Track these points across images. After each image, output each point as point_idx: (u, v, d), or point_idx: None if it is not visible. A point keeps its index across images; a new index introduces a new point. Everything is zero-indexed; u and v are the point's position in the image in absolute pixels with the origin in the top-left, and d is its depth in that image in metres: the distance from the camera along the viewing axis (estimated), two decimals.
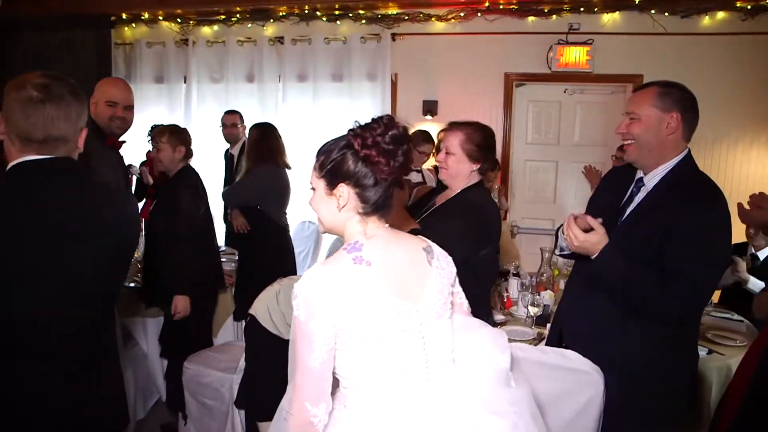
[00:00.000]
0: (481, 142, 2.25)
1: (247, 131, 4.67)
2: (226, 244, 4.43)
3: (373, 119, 1.37)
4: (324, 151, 1.40)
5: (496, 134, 5.03)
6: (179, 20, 5.42)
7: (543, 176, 5.20)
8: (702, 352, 2.48)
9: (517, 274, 3.29)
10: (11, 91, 1.41)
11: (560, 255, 2.18)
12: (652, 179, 1.93)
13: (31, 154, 1.42)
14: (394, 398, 1.35)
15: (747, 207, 2.62)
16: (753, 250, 3.12)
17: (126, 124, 2.96)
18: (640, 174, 1.98)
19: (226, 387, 2.93)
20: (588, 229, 1.85)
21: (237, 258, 4.04)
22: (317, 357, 1.27)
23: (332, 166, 1.37)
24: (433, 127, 4.60)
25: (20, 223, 1.37)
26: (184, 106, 5.45)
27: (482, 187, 2.39)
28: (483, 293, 2.37)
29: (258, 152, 3.92)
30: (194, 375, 3.03)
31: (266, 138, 3.97)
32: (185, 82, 5.48)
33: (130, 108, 2.93)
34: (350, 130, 1.38)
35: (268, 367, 2.74)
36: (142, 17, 5.48)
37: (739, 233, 2.75)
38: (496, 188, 4.31)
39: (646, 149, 1.90)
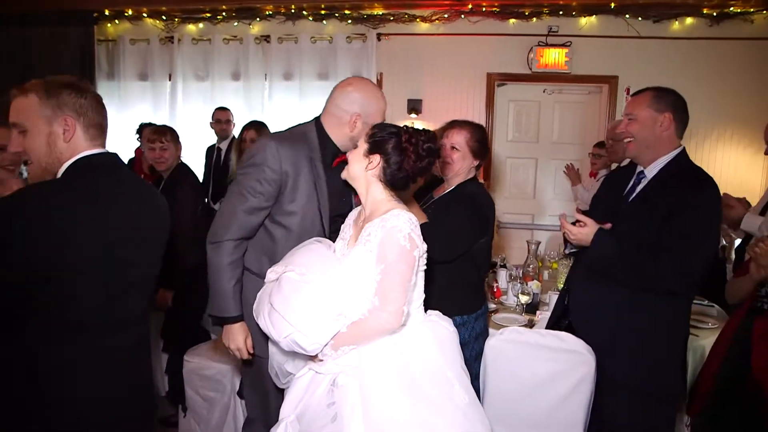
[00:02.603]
0: (482, 140, 2.40)
1: (234, 128, 4.74)
2: None
3: (423, 129, 1.85)
4: (380, 127, 1.84)
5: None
6: (164, 17, 5.41)
7: (523, 173, 5.35)
8: None
9: (504, 266, 3.49)
10: (71, 92, 1.49)
11: (569, 253, 2.37)
12: (652, 170, 2.16)
13: (97, 147, 1.54)
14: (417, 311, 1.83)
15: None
16: (724, 241, 3.35)
17: None
18: (640, 168, 2.20)
19: (228, 378, 3.01)
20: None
21: None
22: (414, 276, 1.74)
23: (379, 139, 1.79)
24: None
25: (100, 210, 1.46)
26: (169, 104, 5.45)
27: (477, 181, 2.53)
28: (481, 281, 2.51)
29: None
30: (195, 368, 3.09)
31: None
32: (170, 79, 5.47)
33: None
34: (404, 126, 1.85)
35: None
36: (126, 14, 5.46)
37: None
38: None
39: (644, 145, 2.13)
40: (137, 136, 4.75)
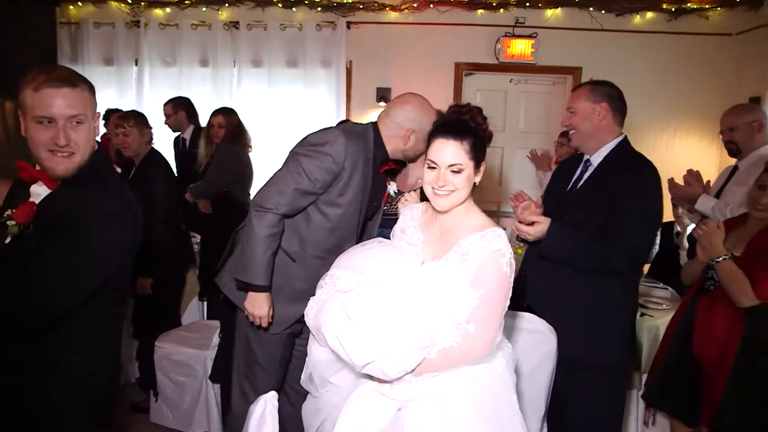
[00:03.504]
0: None
1: (185, 116, 4.63)
2: (187, 227, 4.47)
3: (464, 104, 1.71)
4: (465, 134, 1.63)
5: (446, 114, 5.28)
6: (129, 1, 5.31)
7: (489, 161, 5.34)
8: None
9: None
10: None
11: (520, 241, 2.50)
12: (597, 158, 2.31)
13: None
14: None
15: (680, 183, 3.11)
16: (678, 228, 3.52)
17: None
18: (586, 156, 2.35)
19: (200, 363, 3.05)
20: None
21: (199, 240, 4.11)
22: (507, 303, 1.65)
23: (479, 144, 1.64)
24: None
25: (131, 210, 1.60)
26: (135, 90, 5.36)
27: None
28: None
29: (235, 134, 4.01)
30: (167, 353, 3.12)
31: (239, 121, 4.08)
32: (137, 65, 5.38)
33: None
34: (470, 110, 1.69)
35: None
36: None
37: (667, 214, 3.13)
38: None
39: (585, 135, 2.30)
40: (104, 122, 4.68)
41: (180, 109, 4.63)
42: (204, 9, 5.26)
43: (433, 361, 1.58)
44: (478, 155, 1.64)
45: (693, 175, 3.12)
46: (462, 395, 1.60)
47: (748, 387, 2.29)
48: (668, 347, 2.59)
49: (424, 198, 2.27)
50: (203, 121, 4.58)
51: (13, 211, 1.45)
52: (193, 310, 3.83)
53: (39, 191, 1.53)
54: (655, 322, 2.90)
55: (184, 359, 3.08)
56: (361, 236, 2.35)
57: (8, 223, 1.44)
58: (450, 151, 1.64)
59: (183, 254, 3.49)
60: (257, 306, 2.11)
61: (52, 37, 5.30)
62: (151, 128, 3.34)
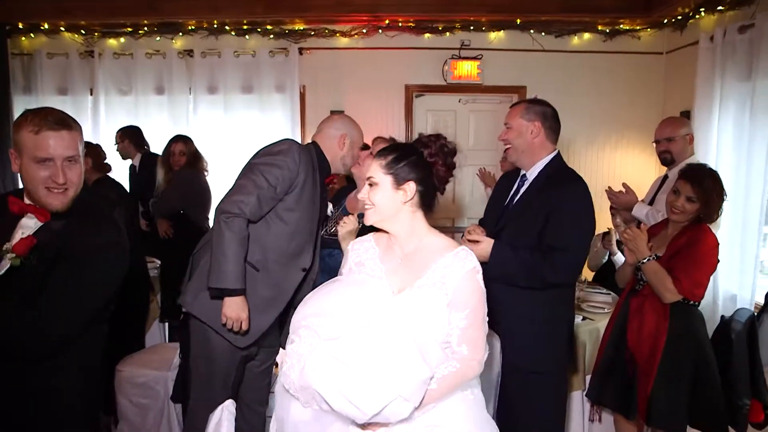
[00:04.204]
0: None
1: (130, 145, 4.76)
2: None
3: (431, 135, 1.69)
4: (395, 150, 1.68)
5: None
6: (83, 32, 5.34)
7: None
8: (577, 319, 3.01)
9: None
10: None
11: None
12: (532, 173, 2.45)
13: None
14: None
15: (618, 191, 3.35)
16: (618, 237, 3.75)
17: None
18: (523, 171, 2.50)
19: (161, 384, 3.10)
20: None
21: (159, 265, 4.16)
22: None
23: (403, 164, 1.64)
24: None
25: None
26: (91, 119, 5.36)
27: None
28: None
29: (192, 160, 4.12)
30: (129, 376, 3.16)
31: (195, 148, 4.20)
32: (92, 94, 5.41)
33: None
34: (418, 140, 1.70)
35: None
36: (42, 27, 5.33)
37: (605, 222, 3.36)
38: None
39: (519, 150, 2.44)
40: None
41: (125, 137, 4.83)
42: (158, 38, 5.32)
43: (435, 391, 1.56)
44: (398, 172, 1.63)
45: (625, 185, 3.37)
46: (460, 420, 1.59)
47: (674, 376, 2.49)
48: (606, 346, 2.78)
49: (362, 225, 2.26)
50: (159, 148, 4.66)
51: (13, 243, 1.56)
52: (154, 334, 3.87)
53: (29, 224, 1.65)
54: (596, 325, 3.09)
55: (145, 381, 3.12)
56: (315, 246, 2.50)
57: (8, 255, 1.54)
58: (371, 166, 1.70)
59: (145, 279, 3.55)
60: (236, 309, 2.19)
61: (4, 68, 5.29)
62: (92, 157, 3.45)
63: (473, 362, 1.63)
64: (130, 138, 4.83)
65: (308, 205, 2.36)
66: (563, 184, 2.35)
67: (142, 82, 5.35)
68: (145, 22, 5.21)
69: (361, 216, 1.99)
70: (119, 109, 5.42)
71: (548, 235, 2.27)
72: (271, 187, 2.22)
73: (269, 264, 2.32)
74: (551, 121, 2.44)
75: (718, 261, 2.61)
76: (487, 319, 1.66)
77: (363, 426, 1.51)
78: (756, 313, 3.20)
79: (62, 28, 5.35)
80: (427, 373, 1.50)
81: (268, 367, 2.61)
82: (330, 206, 2.90)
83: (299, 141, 5.10)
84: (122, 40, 5.39)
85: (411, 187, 1.63)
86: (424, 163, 1.65)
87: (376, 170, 1.67)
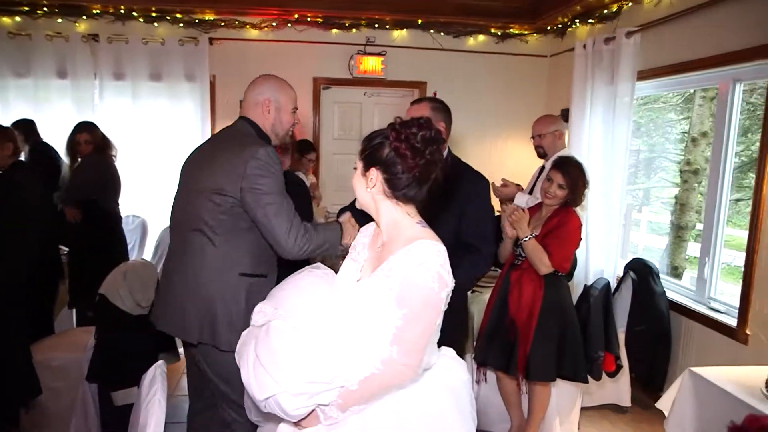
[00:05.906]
0: None
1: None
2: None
3: (413, 119, 1.55)
4: (366, 138, 1.60)
5: (308, 131, 5.66)
6: None
7: (348, 168, 5.66)
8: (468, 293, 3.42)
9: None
10: None
11: None
12: None
13: None
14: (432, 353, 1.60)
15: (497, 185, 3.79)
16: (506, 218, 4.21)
17: None
18: None
19: (75, 366, 3.16)
20: None
21: (67, 252, 4.14)
22: (438, 320, 1.51)
23: (369, 150, 1.56)
24: None
25: None
26: None
27: None
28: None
29: (101, 146, 4.10)
30: (41, 361, 3.19)
31: (103, 134, 4.17)
32: None
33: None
34: (390, 124, 1.56)
35: (120, 339, 3.09)
36: None
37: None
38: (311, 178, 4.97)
39: None
40: None
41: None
42: (59, 20, 5.17)
43: (356, 392, 1.45)
44: (365, 158, 1.58)
45: (505, 182, 3.85)
46: (388, 426, 1.47)
47: (547, 336, 2.95)
48: (490, 314, 3.19)
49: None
50: (63, 135, 4.52)
51: None
52: (65, 319, 3.88)
53: None
54: (483, 296, 3.52)
55: (60, 364, 3.17)
56: None
57: None
58: None
59: (53, 264, 3.56)
60: (353, 235, 2.11)
61: None
62: (13, 142, 3.39)
63: (401, 367, 1.46)
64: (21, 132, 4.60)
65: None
66: (471, 182, 2.53)
67: (41, 65, 5.15)
68: (45, 1, 5.02)
69: None
70: (16, 93, 5.20)
71: (467, 231, 2.46)
72: (284, 193, 2.18)
73: (271, 268, 2.30)
74: (450, 121, 2.60)
75: (581, 239, 3.10)
76: (435, 324, 1.50)
77: (296, 424, 1.52)
78: (617, 284, 3.80)
79: None
80: (322, 375, 1.42)
81: None
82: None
83: (209, 131, 5.22)
84: (18, 18, 5.17)
85: (373, 173, 1.55)
86: (390, 150, 1.52)
87: (358, 155, 1.63)
